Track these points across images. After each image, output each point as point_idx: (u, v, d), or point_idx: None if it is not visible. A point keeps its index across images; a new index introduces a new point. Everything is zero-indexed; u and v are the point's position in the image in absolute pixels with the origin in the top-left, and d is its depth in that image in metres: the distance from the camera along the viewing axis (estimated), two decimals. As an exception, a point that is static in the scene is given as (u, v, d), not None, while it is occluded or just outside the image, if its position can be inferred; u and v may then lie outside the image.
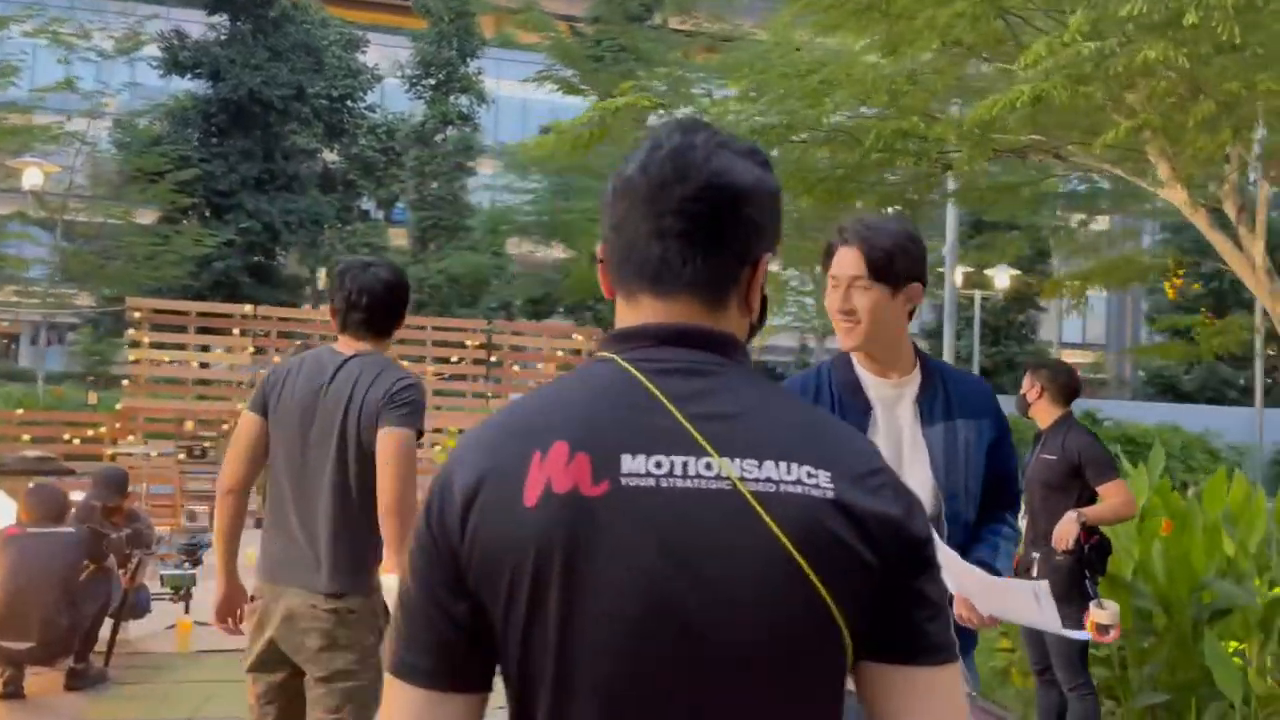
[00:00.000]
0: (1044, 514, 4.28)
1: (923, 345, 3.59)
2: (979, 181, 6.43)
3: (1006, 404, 2.64)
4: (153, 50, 23.94)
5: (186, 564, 6.58)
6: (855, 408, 2.10)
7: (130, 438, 10.83)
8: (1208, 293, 28.70)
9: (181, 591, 6.25)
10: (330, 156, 29.60)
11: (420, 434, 2.70)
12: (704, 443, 0.99)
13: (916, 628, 1.00)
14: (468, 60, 27.51)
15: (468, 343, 12.10)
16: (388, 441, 2.61)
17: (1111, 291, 45.27)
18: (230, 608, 2.78)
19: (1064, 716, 4.45)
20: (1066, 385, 4.38)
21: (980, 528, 2.16)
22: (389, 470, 2.59)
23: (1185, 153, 5.29)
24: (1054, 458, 4.27)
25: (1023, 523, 4.36)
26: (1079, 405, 4.59)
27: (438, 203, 27.02)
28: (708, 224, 1.04)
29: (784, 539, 0.95)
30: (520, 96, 36.81)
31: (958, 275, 20.34)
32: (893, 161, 5.54)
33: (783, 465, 0.98)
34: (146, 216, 22.69)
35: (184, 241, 20.74)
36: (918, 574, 1.01)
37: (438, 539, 1.02)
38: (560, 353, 12.61)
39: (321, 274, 30.15)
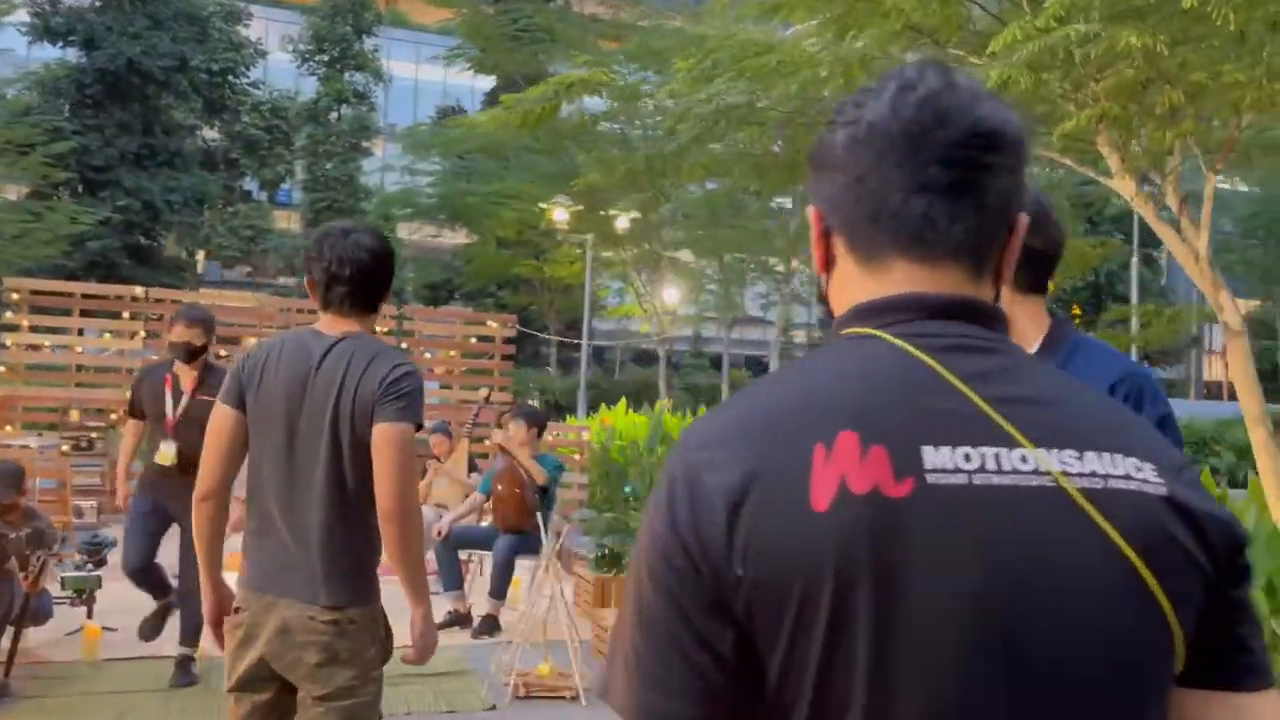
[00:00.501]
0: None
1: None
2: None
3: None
4: (21, 16, 22.36)
5: (89, 565, 6.07)
6: None
7: (8, 428, 10.01)
8: (1085, 286, 30.05)
9: (84, 595, 5.75)
10: (211, 134, 28.26)
11: (419, 427, 2.43)
12: (1013, 431, 0.83)
13: (1243, 646, 0.87)
14: (363, 36, 26.61)
15: (376, 328, 11.57)
16: (386, 438, 2.33)
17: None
18: (222, 615, 2.47)
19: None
20: None
21: None
22: (388, 470, 2.31)
23: (1136, 144, 5.35)
24: None
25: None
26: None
27: (331, 184, 26.07)
28: (975, 177, 0.88)
29: (1121, 542, 0.81)
30: (411, 78, 35.90)
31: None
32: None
33: (1105, 457, 0.84)
34: (14, 192, 21.22)
35: (57, 219, 19.44)
36: (1244, 583, 0.88)
37: (693, 554, 0.81)
38: (474, 340, 12.26)
39: (201, 256, 28.80)
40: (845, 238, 0.92)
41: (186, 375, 5.00)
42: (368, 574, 2.41)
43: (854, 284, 0.92)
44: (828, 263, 0.95)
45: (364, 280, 2.48)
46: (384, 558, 2.42)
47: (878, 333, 0.88)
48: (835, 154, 0.91)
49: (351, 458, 2.36)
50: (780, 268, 14.82)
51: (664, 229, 14.77)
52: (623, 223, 16.68)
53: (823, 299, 1.00)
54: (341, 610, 2.33)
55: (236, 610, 2.41)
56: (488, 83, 27.86)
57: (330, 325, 2.49)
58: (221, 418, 2.43)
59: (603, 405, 15.79)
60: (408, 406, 2.37)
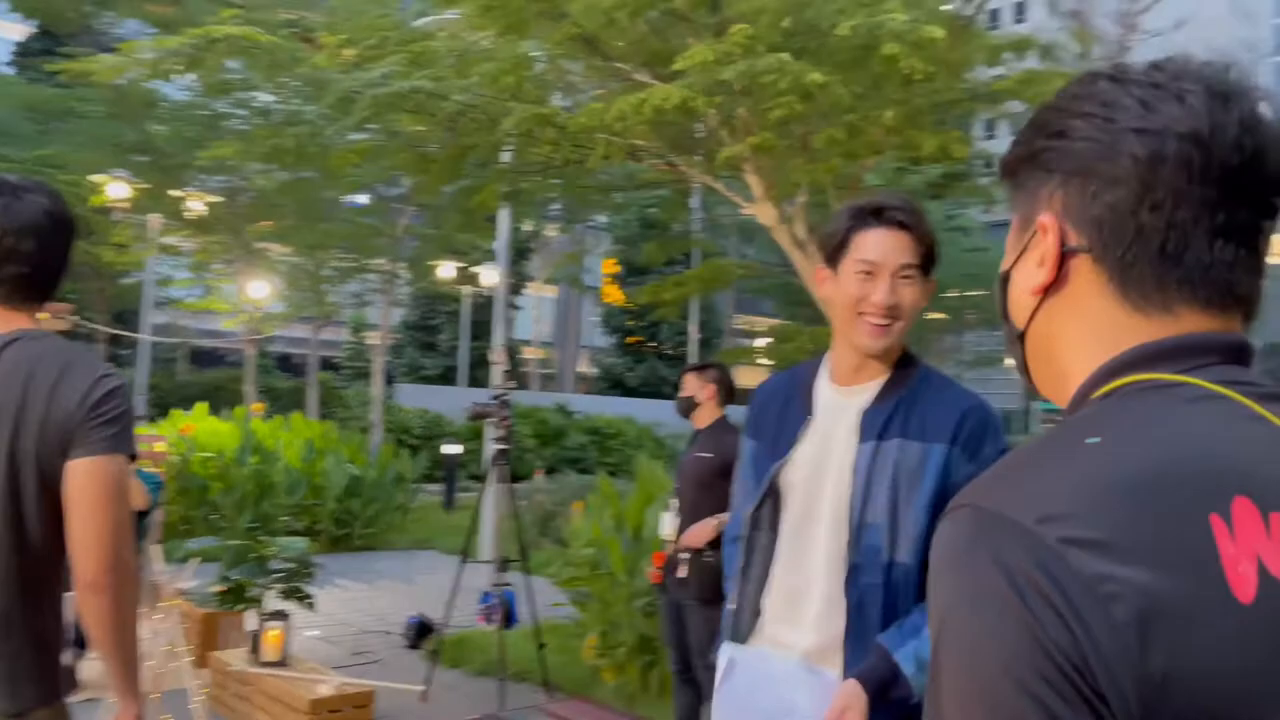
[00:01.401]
0: (693, 513, 4.32)
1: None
2: (584, 180, 6.42)
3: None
4: None
5: None
6: (797, 410, 1.90)
7: None
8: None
9: None
10: None
11: (133, 458, 1.82)
12: None
13: None
14: None
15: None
16: (92, 477, 1.71)
17: (560, 294, 49.11)
18: None
19: (699, 714, 4.54)
20: (731, 387, 4.49)
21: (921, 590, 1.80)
22: (97, 522, 1.69)
23: (779, 174, 5.73)
24: (710, 455, 4.33)
25: (674, 520, 4.37)
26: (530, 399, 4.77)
27: None
28: (1272, 226, 0.77)
29: None
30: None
31: (451, 270, 20.57)
32: (527, 147, 5.26)
33: None
34: None
35: None
36: None
37: (1082, 668, 0.59)
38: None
39: None
40: (1109, 268, 0.76)
41: None
42: (56, 662, 1.75)
43: (1104, 319, 0.77)
44: (1050, 285, 0.80)
45: (45, 256, 1.82)
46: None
47: (1187, 379, 0.72)
48: (1119, 165, 0.74)
49: (39, 512, 1.69)
50: (384, 268, 14.16)
51: (248, 218, 13.42)
52: (197, 206, 14.95)
53: (1004, 317, 0.86)
54: (22, 717, 1.67)
55: None
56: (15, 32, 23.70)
57: None
58: None
59: (174, 410, 14.01)
60: (119, 434, 1.76)
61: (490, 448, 8.70)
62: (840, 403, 1.87)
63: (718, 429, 4.47)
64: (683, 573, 4.23)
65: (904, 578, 1.75)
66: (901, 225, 1.78)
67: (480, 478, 18.49)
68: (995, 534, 0.64)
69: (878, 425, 1.80)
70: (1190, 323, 0.75)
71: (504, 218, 9.08)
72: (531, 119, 4.91)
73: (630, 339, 33.50)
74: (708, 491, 4.31)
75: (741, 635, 1.89)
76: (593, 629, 6.43)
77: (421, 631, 6.89)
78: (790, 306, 29.34)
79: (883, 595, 1.75)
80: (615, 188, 6.76)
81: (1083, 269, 0.78)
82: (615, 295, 36.54)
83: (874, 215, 1.79)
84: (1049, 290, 0.80)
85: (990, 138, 17.06)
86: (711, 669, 4.06)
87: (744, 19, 4.80)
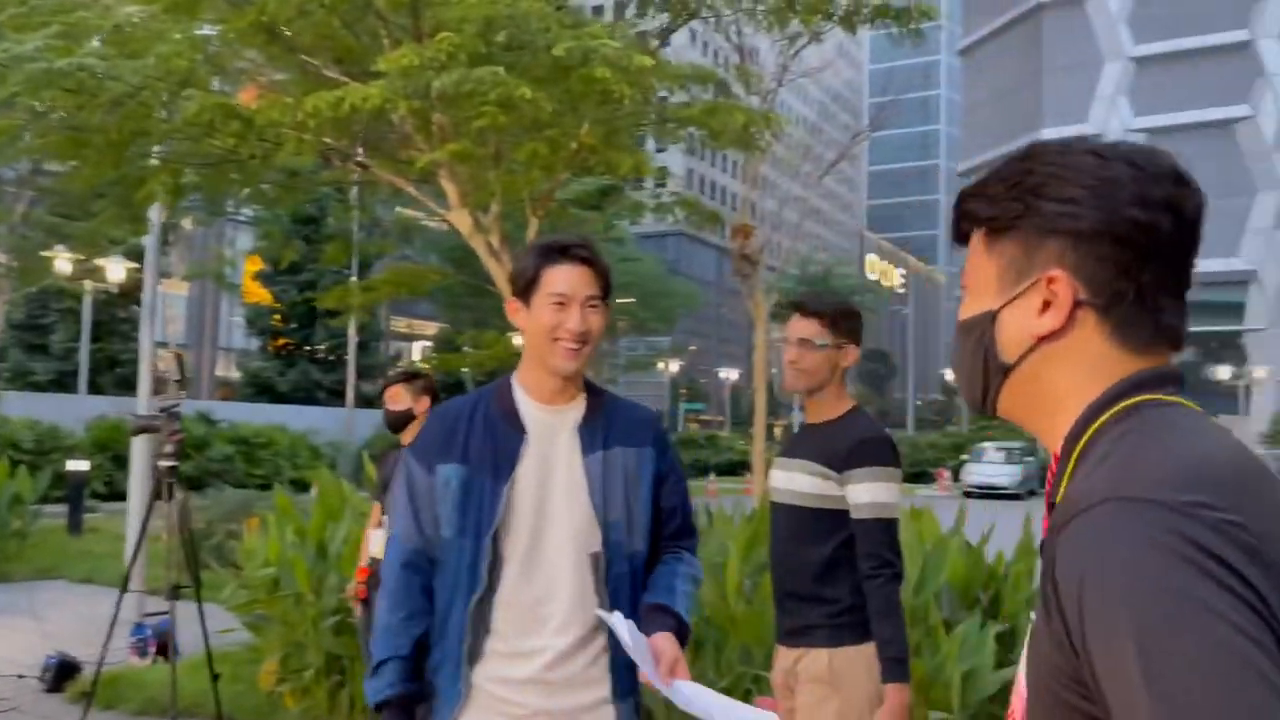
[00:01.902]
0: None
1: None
2: (263, 176, 5.96)
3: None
4: None
5: None
6: (508, 432, 2.01)
7: None
8: (303, 300, 30.98)
9: None
10: None
11: None
12: None
13: None
14: None
15: None
16: None
17: (193, 294, 45.33)
18: None
19: None
20: (438, 397, 4.44)
21: (656, 565, 2.11)
22: None
23: (475, 183, 5.77)
24: None
25: (384, 536, 4.27)
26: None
27: None
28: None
29: None
30: None
31: (67, 265, 18.30)
32: (205, 138, 4.82)
33: None
34: None
35: None
36: None
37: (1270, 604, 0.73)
38: None
39: None
40: (1112, 318, 0.91)
41: None
42: None
43: (1102, 360, 0.92)
44: (1057, 330, 0.92)
45: None
46: None
47: (1177, 399, 0.90)
48: (1124, 231, 0.89)
49: None
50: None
51: None
52: None
53: (983, 352, 0.98)
54: None
55: None
56: None
57: None
58: None
59: None
60: None
61: (138, 465, 7.91)
62: (551, 421, 2.03)
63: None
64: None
65: (641, 561, 2.05)
66: (584, 261, 2.01)
67: (110, 496, 16.54)
68: (1159, 514, 0.75)
69: (599, 437, 2.03)
70: (1162, 359, 0.92)
71: (156, 209, 8.27)
72: (214, 109, 4.55)
73: (279, 341, 31.61)
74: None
75: (476, 651, 1.96)
76: (271, 654, 6.05)
77: (63, 672, 6.12)
78: (454, 310, 29.27)
79: (630, 580, 2.01)
80: (295, 186, 6.40)
81: (1088, 319, 0.91)
82: (260, 294, 34.30)
83: (560, 253, 2.01)
84: (1052, 335, 0.92)
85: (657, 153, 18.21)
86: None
87: (446, 27, 4.78)
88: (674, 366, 49.62)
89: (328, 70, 5.47)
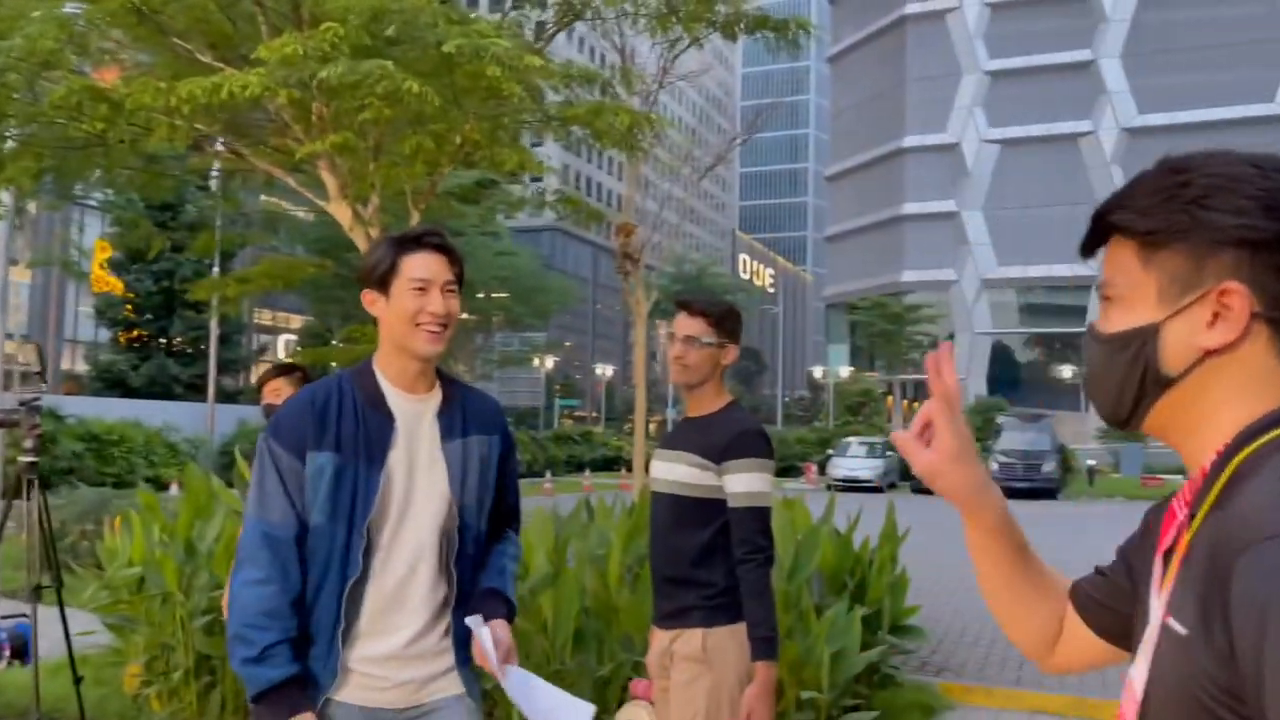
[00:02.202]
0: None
1: None
2: (130, 162, 5.69)
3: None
4: None
5: None
6: (378, 419, 2.07)
7: None
8: (159, 290, 29.58)
9: None
10: None
11: None
12: None
13: None
14: None
15: None
16: None
17: (36, 283, 42.74)
18: None
19: None
20: None
21: (490, 547, 2.23)
22: None
23: (355, 175, 5.72)
24: None
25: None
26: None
27: None
28: None
29: None
30: None
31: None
32: (74, 121, 4.60)
33: None
34: None
35: None
36: None
37: None
38: None
39: None
40: None
41: None
42: None
43: (1269, 374, 0.92)
44: (1229, 343, 0.91)
45: None
46: None
47: None
48: None
49: None
50: None
51: None
52: None
53: (1142, 365, 0.96)
54: None
55: None
56: None
57: None
58: None
59: None
60: None
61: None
62: (415, 409, 2.11)
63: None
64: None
65: (483, 542, 2.19)
66: (439, 248, 2.08)
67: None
68: None
69: (457, 424, 2.13)
70: None
71: (9, 193, 7.84)
72: (82, 91, 4.38)
73: (134, 333, 30.08)
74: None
75: (349, 633, 2.03)
76: (136, 656, 5.84)
77: (-94, 682, 5.76)
78: (321, 303, 28.45)
79: (472, 561, 2.15)
80: (159, 172, 6.16)
81: (1260, 332, 0.91)
82: (111, 284, 32.57)
83: (415, 242, 2.08)
84: (1223, 349, 0.91)
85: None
86: None
87: (329, 17, 4.72)
88: (549, 362, 49.53)
89: (201, 55, 5.32)
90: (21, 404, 4.97)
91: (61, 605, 5.14)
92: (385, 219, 6.17)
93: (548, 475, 28.90)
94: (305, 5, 4.83)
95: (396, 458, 2.05)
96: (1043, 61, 55.60)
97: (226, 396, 29.11)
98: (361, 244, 5.82)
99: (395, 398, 2.09)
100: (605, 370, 57.97)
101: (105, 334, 33.32)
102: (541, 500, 16.00)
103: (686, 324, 2.77)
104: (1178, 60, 52.75)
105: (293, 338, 45.53)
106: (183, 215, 28.18)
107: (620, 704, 4.04)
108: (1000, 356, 57.36)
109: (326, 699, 2.02)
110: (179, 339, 29.97)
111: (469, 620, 2.04)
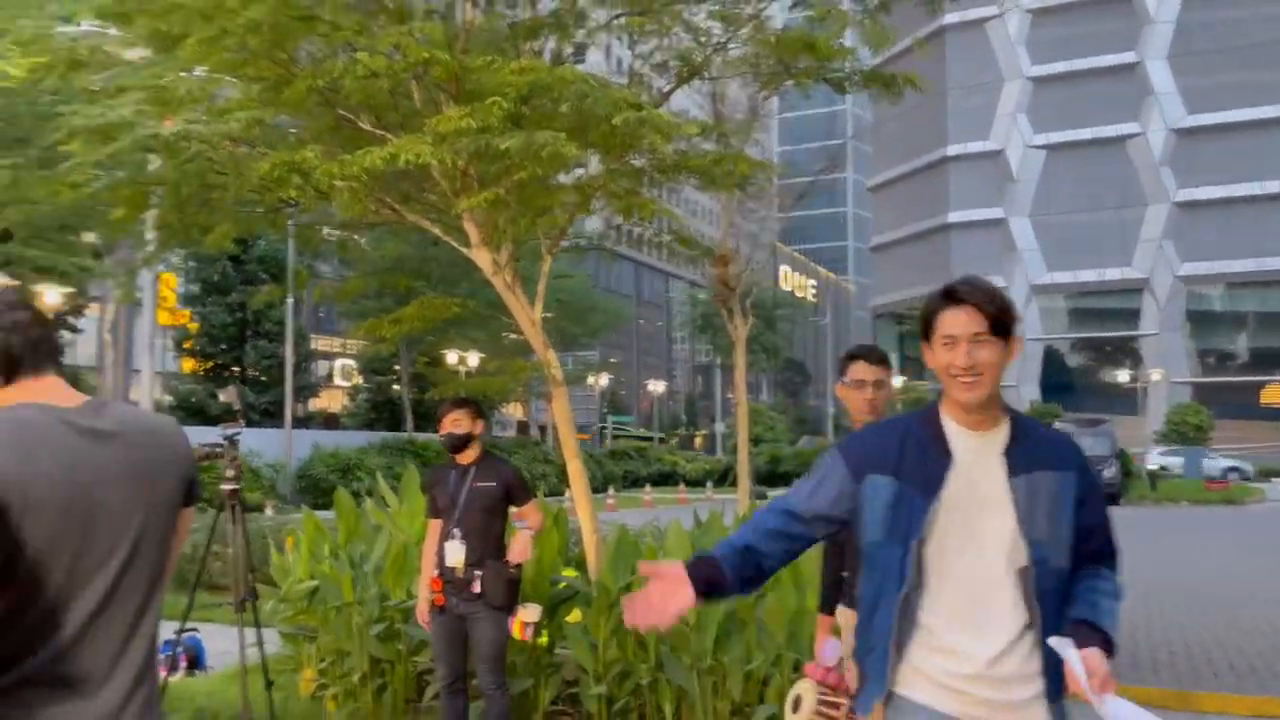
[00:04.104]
0: (482, 536, 4.80)
1: None
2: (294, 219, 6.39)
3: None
4: None
5: None
6: (936, 454, 2.25)
7: None
8: (233, 321, 30.72)
9: None
10: None
11: None
12: None
13: None
14: None
15: None
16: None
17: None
18: None
19: (468, 721, 5.00)
20: (486, 417, 5.01)
21: (1078, 582, 2.26)
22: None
23: (490, 223, 6.30)
24: (494, 484, 4.83)
25: (461, 546, 4.80)
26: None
27: None
28: None
29: None
30: None
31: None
32: (269, 191, 5.28)
33: None
34: None
35: None
36: None
37: None
38: None
39: None
40: None
41: None
42: None
43: None
44: None
45: None
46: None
47: None
48: None
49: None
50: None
51: None
52: None
53: None
54: None
55: None
56: None
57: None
58: None
59: None
60: None
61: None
62: (977, 445, 2.26)
63: (491, 460, 4.96)
64: (477, 588, 4.69)
65: (1066, 577, 2.24)
66: (967, 302, 2.21)
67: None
68: None
69: (1022, 461, 2.24)
70: None
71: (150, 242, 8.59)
72: (283, 165, 5.03)
73: (209, 363, 31.21)
74: (494, 516, 4.83)
75: (904, 640, 2.24)
76: (311, 662, 6.48)
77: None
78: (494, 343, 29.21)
79: (1056, 595, 2.21)
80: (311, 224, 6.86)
81: None
82: (178, 316, 33.78)
83: (946, 297, 2.25)
84: None
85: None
86: (494, 672, 4.60)
87: (487, 91, 5.35)
88: (603, 380, 50.23)
89: (362, 123, 5.98)
90: (225, 438, 5.65)
91: (257, 617, 5.77)
92: (522, 264, 6.78)
93: (610, 491, 29.47)
94: (466, 81, 5.45)
95: (954, 489, 2.21)
96: (1086, 65, 55.47)
97: (299, 422, 30.10)
98: (500, 288, 6.41)
99: (957, 435, 2.26)
100: (657, 386, 58.53)
101: (173, 364, 34.52)
102: (609, 515, 16.52)
103: (869, 371, 3.31)
104: (1226, 59, 52.37)
105: (351, 362, 46.61)
106: (254, 250, 29.32)
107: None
108: (1052, 362, 57.11)
109: (891, 693, 2.24)
110: (252, 368, 31.02)
111: (1052, 641, 2.09)
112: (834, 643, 3.20)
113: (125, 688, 1.81)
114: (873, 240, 71.74)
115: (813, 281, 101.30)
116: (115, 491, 1.82)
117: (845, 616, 3.33)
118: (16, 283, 18.33)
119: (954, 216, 59.11)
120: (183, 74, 5.49)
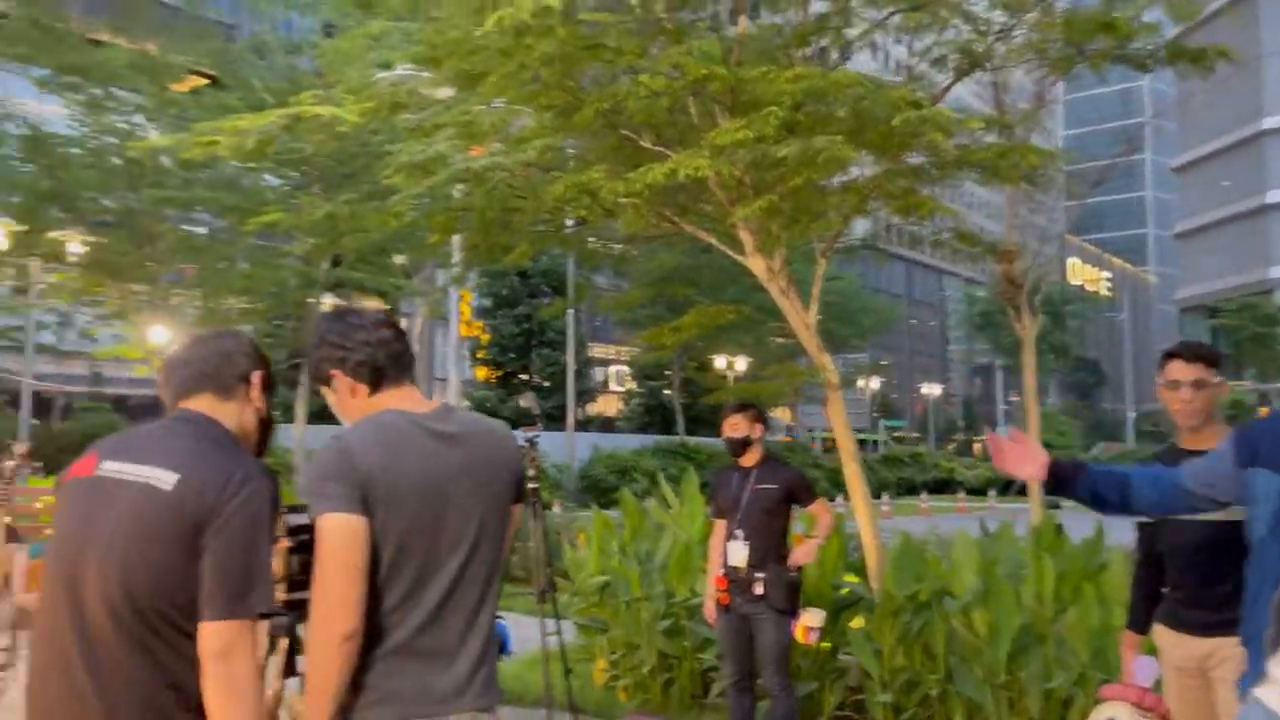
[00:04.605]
0: (763, 537, 4.88)
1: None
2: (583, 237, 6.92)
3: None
4: None
5: None
6: None
7: None
8: (520, 332, 33.01)
9: None
10: None
11: None
12: None
13: None
14: None
15: None
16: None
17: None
18: None
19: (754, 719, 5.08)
20: (766, 421, 5.11)
21: None
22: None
23: (765, 231, 6.36)
24: (774, 486, 4.91)
25: (744, 547, 4.91)
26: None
27: None
28: None
29: None
30: None
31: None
32: (559, 212, 5.71)
33: None
34: None
35: None
36: None
37: None
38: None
39: None
40: None
41: None
42: None
43: None
44: None
45: None
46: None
47: None
48: None
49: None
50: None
51: (162, 262, 13.14)
52: (76, 248, 14.51)
53: None
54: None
55: None
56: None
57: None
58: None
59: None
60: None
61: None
62: None
63: (773, 463, 5.04)
64: (759, 589, 4.78)
65: None
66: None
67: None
68: None
69: None
70: None
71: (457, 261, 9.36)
72: (573, 186, 5.38)
73: (500, 371, 33.67)
74: (775, 518, 4.92)
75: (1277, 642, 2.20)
76: (603, 653, 6.86)
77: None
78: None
79: None
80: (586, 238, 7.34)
81: None
82: (474, 328, 36.82)
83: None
84: None
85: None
86: (779, 673, 4.64)
87: (762, 101, 5.44)
88: (874, 384, 49.11)
89: (643, 142, 6.25)
90: (526, 440, 6.11)
91: (556, 608, 6.17)
92: (795, 268, 6.82)
93: (884, 497, 28.74)
94: (741, 93, 5.58)
95: None
96: None
97: (579, 425, 31.73)
98: (775, 293, 6.47)
99: None
100: (931, 389, 56.41)
101: (468, 372, 37.50)
102: (885, 522, 16.10)
103: (1185, 370, 3.09)
104: None
105: (625, 368, 48.39)
106: (538, 264, 31.31)
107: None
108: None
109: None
110: (538, 375, 33.09)
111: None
112: (1150, 661, 3.01)
113: (472, 662, 2.05)
114: (1177, 226, 65.28)
115: (1106, 274, 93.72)
116: (461, 488, 2.07)
117: (1163, 636, 3.12)
118: (385, 305, 20.73)
119: (1273, 196, 52.62)
120: (483, 108, 6.01)
